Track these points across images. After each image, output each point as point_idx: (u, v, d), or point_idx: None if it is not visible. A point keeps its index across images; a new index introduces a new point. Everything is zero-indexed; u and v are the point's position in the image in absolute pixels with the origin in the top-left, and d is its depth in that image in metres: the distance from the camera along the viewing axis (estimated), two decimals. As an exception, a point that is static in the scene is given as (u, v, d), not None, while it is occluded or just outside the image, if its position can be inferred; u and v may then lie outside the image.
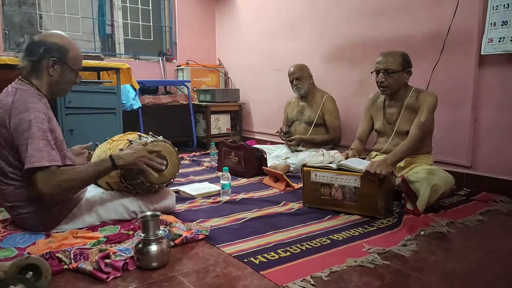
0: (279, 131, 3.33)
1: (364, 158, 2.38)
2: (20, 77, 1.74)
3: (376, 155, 2.45)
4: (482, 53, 2.46)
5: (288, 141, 3.24)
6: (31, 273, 1.24)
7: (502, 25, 2.36)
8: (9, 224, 1.82)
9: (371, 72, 2.37)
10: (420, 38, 2.83)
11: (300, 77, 3.25)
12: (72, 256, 1.46)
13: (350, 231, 1.83)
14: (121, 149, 1.82)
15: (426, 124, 2.21)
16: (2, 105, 1.65)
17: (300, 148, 3.25)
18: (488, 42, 2.42)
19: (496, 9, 2.38)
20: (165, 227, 1.69)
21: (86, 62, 3.00)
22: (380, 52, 2.35)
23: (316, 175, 2.14)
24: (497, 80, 2.47)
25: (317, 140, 3.20)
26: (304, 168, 2.19)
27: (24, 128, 1.58)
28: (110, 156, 1.72)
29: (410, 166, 2.27)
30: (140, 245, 1.45)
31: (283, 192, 2.53)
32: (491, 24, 2.41)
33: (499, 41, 2.37)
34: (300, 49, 3.86)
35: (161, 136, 1.97)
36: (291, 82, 3.30)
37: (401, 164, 2.28)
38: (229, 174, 2.41)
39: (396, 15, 2.99)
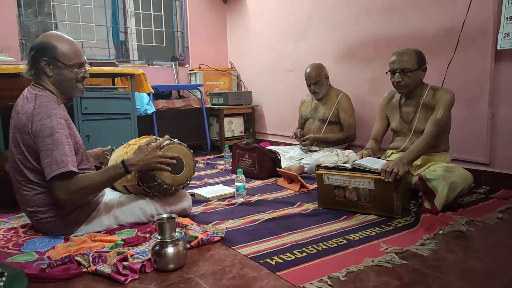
0: (293, 135, 3.31)
1: (379, 157, 2.36)
2: (32, 83, 1.77)
3: (392, 153, 2.43)
4: (498, 48, 2.41)
5: (301, 141, 3.22)
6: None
7: (518, 19, 2.32)
8: (29, 229, 1.86)
9: (386, 72, 2.34)
10: (433, 34, 2.80)
11: (317, 81, 3.20)
12: (90, 259, 1.48)
13: (367, 231, 1.81)
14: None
15: (442, 121, 2.17)
16: (23, 111, 1.68)
17: (314, 148, 3.23)
18: (504, 37, 2.38)
19: (511, 3, 2.34)
20: (181, 229, 1.70)
21: (101, 69, 3.05)
22: (392, 51, 2.33)
23: (328, 178, 2.13)
24: (514, 75, 2.43)
25: (332, 139, 3.18)
26: (317, 171, 2.18)
27: (46, 134, 1.61)
28: (122, 162, 1.74)
29: (427, 164, 2.24)
30: (157, 247, 1.46)
31: (298, 193, 2.53)
32: (506, 18, 2.36)
33: (516, 35, 2.33)
34: (312, 49, 3.86)
35: (176, 139, 1.99)
36: (308, 85, 3.25)
37: (418, 162, 2.25)
38: (243, 176, 2.42)
39: (408, 12, 2.96)
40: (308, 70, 3.25)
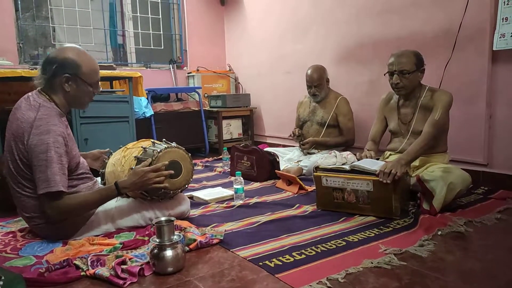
0: (292, 134, 3.31)
1: (377, 159, 2.36)
2: (40, 89, 1.76)
3: (390, 154, 2.43)
4: (494, 48, 2.42)
5: (301, 144, 3.22)
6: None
7: (514, 19, 2.33)
8: (28, 233, 1.86)
9: (384, 74, 2.35)
10: (431, 35, 2.81)
11: (319, 84, 3.18)
12: (89, 263, 1.47)
13: (366, 233, 1.81)
14: (132, 168, 1.82)
15: (440, 122, 2.18)
16: (24, 119, 1.66)
17: (312, 150, 3.23)
18: (500, 38, 2.39)
19: (507, 4, 2.35)
20: (179, 232, 1.70)
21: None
22: (391, 53, 2.33)
23: (327, 180, 2.13)
24: (511, 76, 2.43)
25: (331, 143, 3.17)
26: (315, 173, 2.18)
27: (42, 150, 1.61)
28: (116, 185, 1.73)
29: (425, 165, 2.24)
30: (156, 251, 1.46)
31: (296, 195, 2.53)
32: (502, 19, 2.37)
33: (511, 36, 2.34)
34: (310, 51, 3.86)
35: (174, 142, 1.99)
36: (309, 87, 3.22)
37: (416, 163, 2.26)
38: (242, 178, 2.42)
39: (406, 13, 2.97)
40: (310, 72, 3.21)
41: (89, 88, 1.79)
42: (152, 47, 4.77)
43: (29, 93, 1.76)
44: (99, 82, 1.86)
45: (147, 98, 3.76)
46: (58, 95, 1.75)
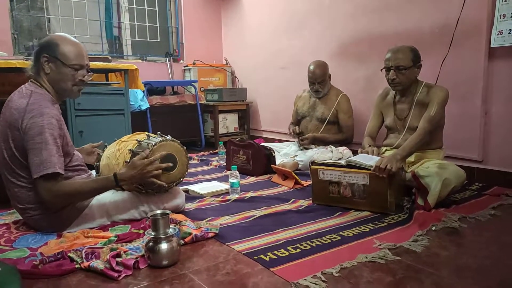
0: (291, 133, 3.28)
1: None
2: (31, 79, 1.77)
3: (386, 150, 2.43)
4: (491, 45, 2.42)
5: (300, 139, 3.21)
6: None
7: (511, 17, 2.33)
8: (22, 225, 1.85)
9: (381, 70, 2.34)
10: (428, 32, 2.80)
11: (322, 81, 3.16)
12: (83, 256, 1.47)
13: (360, 227, 1.81)
14: (127, 161, 1.81)
15: (435, 118, 2.18)
16: (16, 106, 1.66)
17: (310, 146, 3.22)
18: (497, 35, 2.39)
19: (505, 1, 2.35)
20: (175, 226, 1.70)
21: (94, 64, 3.01)
22: (388, 48, 2.33)
23: (323, 173, 2.13)
24: (507, 73, 2.44)
25: (330, 139, 3.14)
26: (312, 166, 2.18)
27: (36, 133, 1.60)
28: (114, 176, 1.72)
29: (421, 161, 2.25)
30: (151, 244, 1.45)
31: (292, 189, 2.53)
32: (500, 16, 2.38)
33: (509, 33, 2.34)
34: (306, 46, 3.85)
35: (169, 136, 1.98)
36: (312, 83, 3.18)
37: (412, 159, 2.26)
38: (237, 172, 2.41)
39: (403, 9, 2.96)
40: (312, 68, 3.16)
41: (69, 71, 1.74)
42: (148, 39, 4.74)
43: (22, 86, 1.77)
44: (86, 69, 1.81)
45: (147, 89, 3.73)
46: (43, 79, 1.75)
